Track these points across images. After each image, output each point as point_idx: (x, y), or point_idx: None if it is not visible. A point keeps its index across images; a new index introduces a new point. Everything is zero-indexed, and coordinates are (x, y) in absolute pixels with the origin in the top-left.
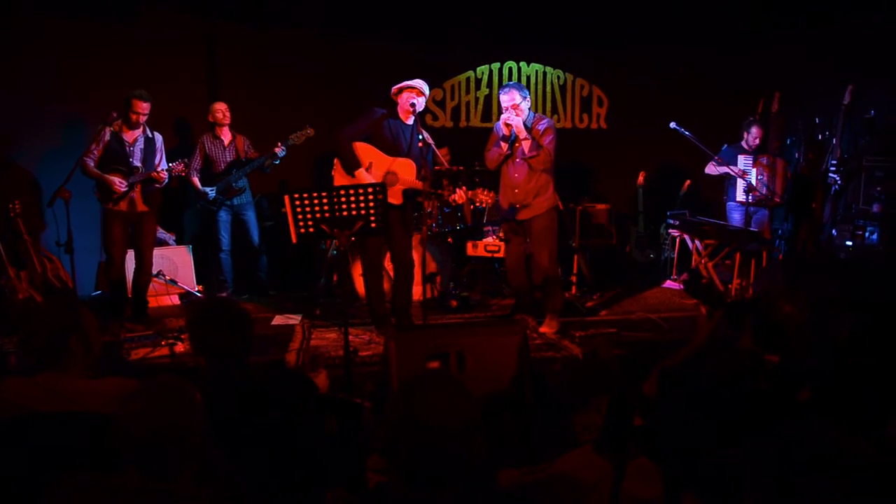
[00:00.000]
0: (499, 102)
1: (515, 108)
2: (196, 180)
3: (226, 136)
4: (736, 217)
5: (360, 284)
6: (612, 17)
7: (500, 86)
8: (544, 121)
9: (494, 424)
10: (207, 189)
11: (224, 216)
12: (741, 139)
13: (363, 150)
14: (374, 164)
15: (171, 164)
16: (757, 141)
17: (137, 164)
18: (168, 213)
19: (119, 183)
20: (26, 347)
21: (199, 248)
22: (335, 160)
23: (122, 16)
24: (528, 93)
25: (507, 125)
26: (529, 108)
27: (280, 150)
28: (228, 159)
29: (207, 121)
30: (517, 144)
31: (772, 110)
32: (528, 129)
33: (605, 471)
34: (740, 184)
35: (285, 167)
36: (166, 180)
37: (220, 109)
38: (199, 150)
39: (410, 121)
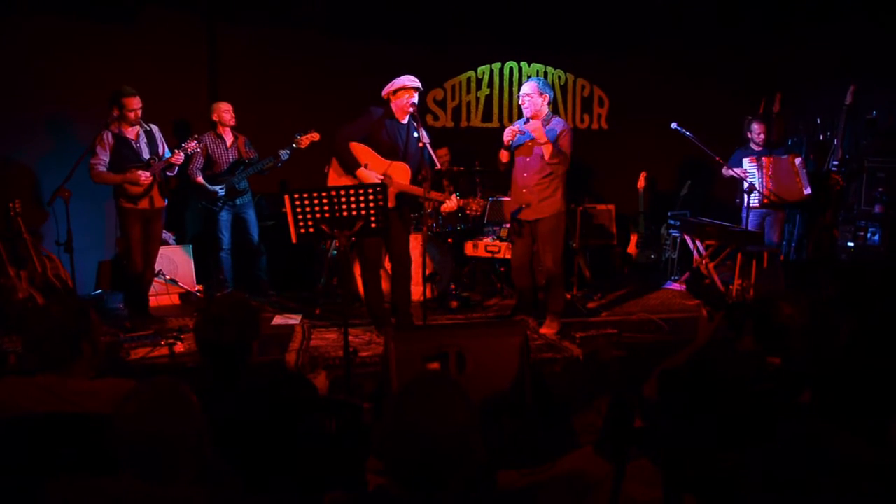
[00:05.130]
0: (500, 102)
1: (529, 97)
2: (202, 180)
3: (228, 136)
4: (750, 220)
5: (360, 285)
6: (614, 17)
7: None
8: (556, 124)
9: (494, 425)
10: (217, 188)
11: (225, 216)
12: (746, 140)
13: (359, 150)
14: (369, 165)
15: (182, 144)
16: (762, 136)
17: (147, 157)
18: (168, 212)
19: (145, 176)
20: (34, 350)
21: (199, 248)
22: (332, 159)
23: (121, 16)
24: (550, 91)
25: (516, 130)
26: (548, 105)
27: (283, 153)
28: (230, 160)
29: (210, 120)
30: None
31: (773, 111)
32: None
33: (605, 472)
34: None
35: (285, 166)
36: (182, 159)
37: (227, 109)
38: (201, 150)
39: (406, 120)
